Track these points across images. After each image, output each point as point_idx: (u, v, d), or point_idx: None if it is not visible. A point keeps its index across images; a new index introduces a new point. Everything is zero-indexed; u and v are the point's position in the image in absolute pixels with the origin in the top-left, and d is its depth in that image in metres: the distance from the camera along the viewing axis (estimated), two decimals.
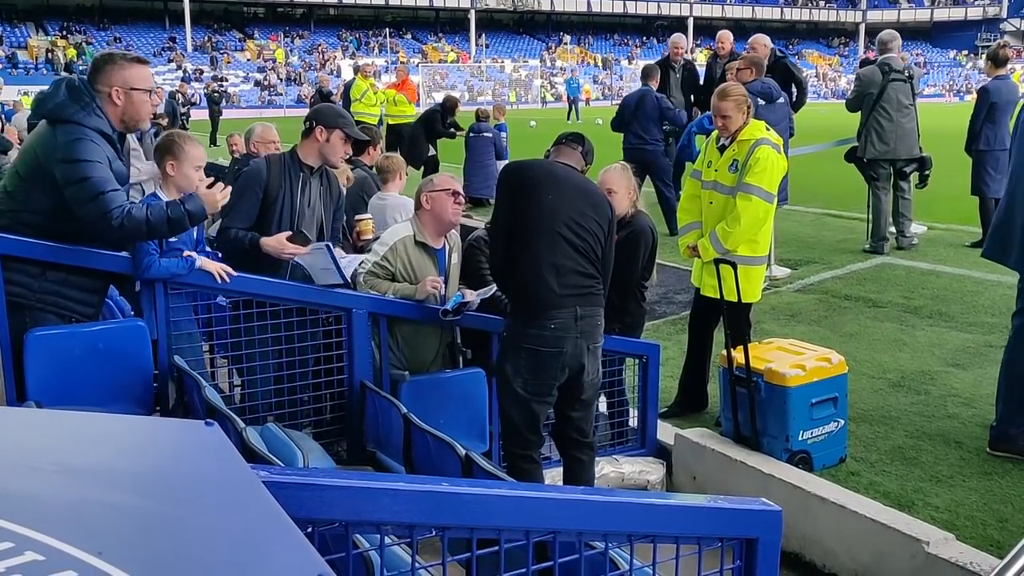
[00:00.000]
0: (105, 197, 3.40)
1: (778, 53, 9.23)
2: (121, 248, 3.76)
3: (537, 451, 3.91)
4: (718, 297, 4.99)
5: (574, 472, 3.98)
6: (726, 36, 9.66)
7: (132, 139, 6.19)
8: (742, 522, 1.93)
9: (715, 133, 5.22)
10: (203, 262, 3.88)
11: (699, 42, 60.98)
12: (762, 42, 8.86)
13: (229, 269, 3.92)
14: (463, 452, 3.17)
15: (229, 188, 3.86)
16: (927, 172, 8.73)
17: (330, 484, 1.33)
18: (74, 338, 3.64)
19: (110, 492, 1.09)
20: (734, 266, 4.88)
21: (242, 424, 3.06)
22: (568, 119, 37.79)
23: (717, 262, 4.95)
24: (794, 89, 8.94)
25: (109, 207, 3.40)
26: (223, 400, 3.60)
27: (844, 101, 9.66)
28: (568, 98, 41.89)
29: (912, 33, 68.34)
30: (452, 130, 14.40)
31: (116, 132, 3.63)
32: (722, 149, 5.10)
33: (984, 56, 9.24)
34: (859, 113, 8.87)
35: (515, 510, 1.64)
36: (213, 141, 25.35)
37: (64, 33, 52.59)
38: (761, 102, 7.64)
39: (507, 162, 3.87)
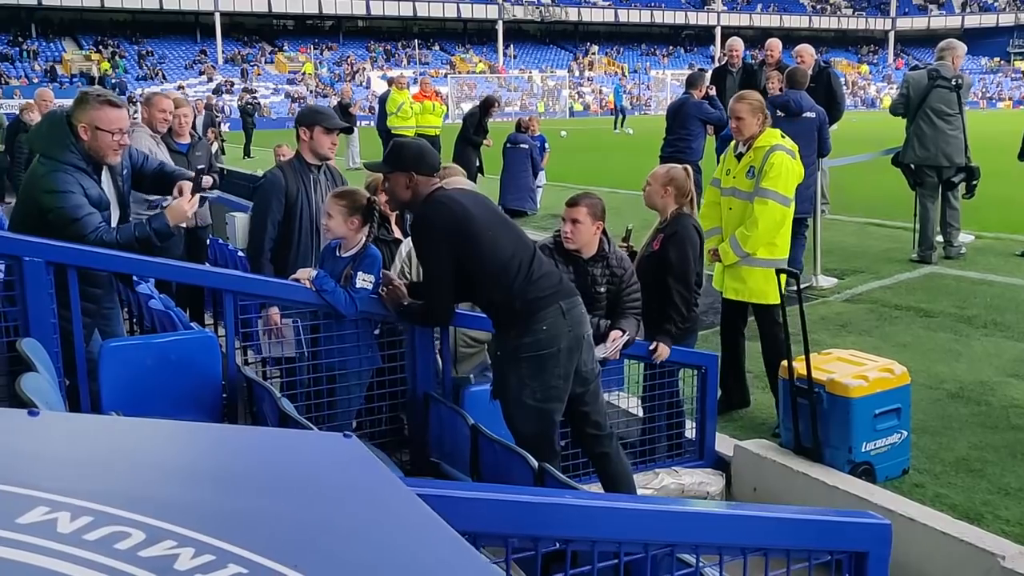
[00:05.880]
0: (79, 223, 3.74)
1: (822, 64, 9.16)
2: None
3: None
4: (740, 299, 5.29)
5: (605, 468, 3.95)
6: (775, 45, 9.56)
7: (164, 151, 6.28)
8: (852, 535, 1.92)
9: (733, 142, 5.50)
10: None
11: (726, 51, 60.74)
12: (808, 52, 8.81)
13: (311, 273, 4.00)
14: (535, 463, 3.17)
15: (198, 197, 4.17)
16: (974, 182, 8.62)
17: (488, 498, 1.33)
18: (147, 349, 3.69)
19: (282, 503, 1.09)
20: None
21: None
22: (616, 129, 37.30)
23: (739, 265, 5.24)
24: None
25: (83, 232, 3.74)
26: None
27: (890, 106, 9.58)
28: (615, 106, 41.67)
29: (943, 40, 67.64)
30: (478, 137, 14.22)
31: (91, 164, 3.89)
32: (739, 157, 5.32)
33: None
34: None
35: (634, 521, 1.64)
36: (247, 153, 25.57)
37: (98, 47, 53.37)
38: (780, 114, 7.61)
39: (446, 196, 3.79)
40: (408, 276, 4.53)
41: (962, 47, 8.96)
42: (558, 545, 1.64)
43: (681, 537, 1.68)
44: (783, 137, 5.34)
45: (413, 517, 1.14)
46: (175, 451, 1.25)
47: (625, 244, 5.19)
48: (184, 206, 3.99)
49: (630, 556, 1.65)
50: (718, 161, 8.77)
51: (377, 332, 4.29)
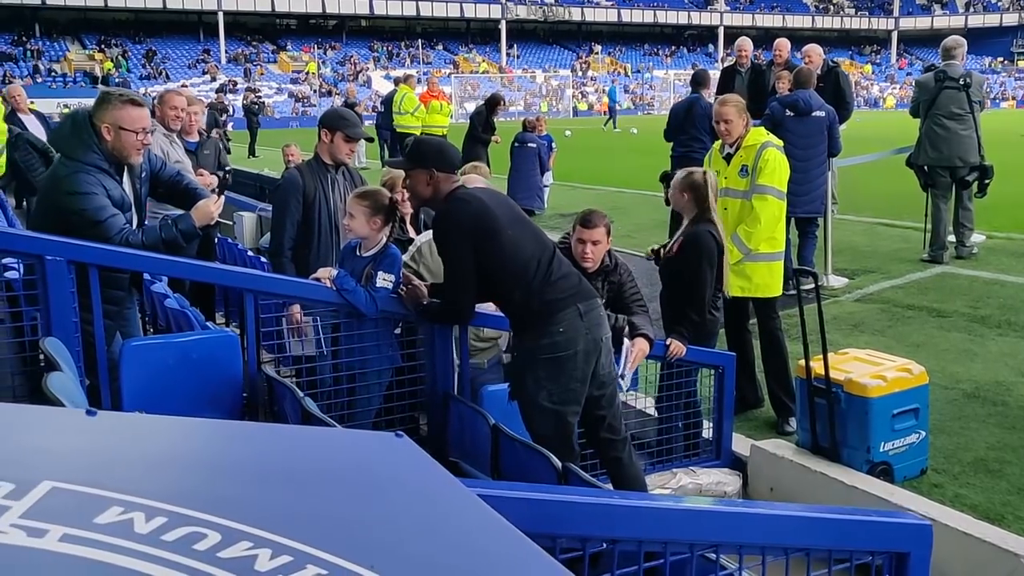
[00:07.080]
0: (103, 225, 3.74)
1: (830, 64, 9.13)
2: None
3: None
4: (746, 295, 5.37)
5: (617, 472, 3.94)
6: (783, 45, 9.52)
7: (179, 150, 6.27)
8: (894, 535, 1.91)
9: (717, 144, 5.58)
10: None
11: (729, 51, 60.76)
12: (816, 52, 8.79)
13: (331, 273, 3.98)
14: (559, 464, 3.16)
15: (223, 199, 4.19)
16: (987, 181, 8.59)
17: (539, 498, 1.32)
18: (168, 348, 3.68)
19: (348, 503, 1.09)
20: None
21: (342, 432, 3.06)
22: (605, 127, 37.79)
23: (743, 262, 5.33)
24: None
25: (108, 234, 3.74)
26: None
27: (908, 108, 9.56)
28: (609, 106, 42.24)
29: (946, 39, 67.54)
30: (486, 135, 14.21)
31: (114, 164, 3.88)
32: (728, 158, 5.43)
33: None
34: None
35: (681, 521, 1.63)
36: (252, 152, 25.56)
37: (101, 47, 53.41)
38: (789, 113, 7.59)
39: (468, 194, 3.77)
40: (415, 268, 4.53)
41: (963, 43, 8.96)
42: (605, 545, 1.63)
43: (727, 537, 1.67)
44: (767, 134, 5.53)
45: (478, 517, 1.13)
46: (235, 451, 1.24)
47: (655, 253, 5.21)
48: (211, 207, 3.99)
49: (676, 556, 1.64)
50: None
51: (398, 331, 4.28)
